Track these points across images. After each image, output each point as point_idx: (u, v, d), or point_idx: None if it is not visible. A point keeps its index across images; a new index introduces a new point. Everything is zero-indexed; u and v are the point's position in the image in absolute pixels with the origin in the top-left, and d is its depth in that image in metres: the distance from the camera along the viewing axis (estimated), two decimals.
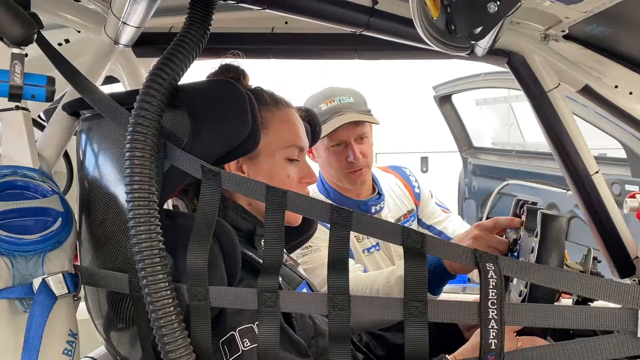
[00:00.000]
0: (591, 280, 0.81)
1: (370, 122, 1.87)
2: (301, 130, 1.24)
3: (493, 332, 0.82)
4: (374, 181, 2.04)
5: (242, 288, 0.91)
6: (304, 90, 2.02)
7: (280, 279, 1.08)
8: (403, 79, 5.44)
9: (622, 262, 1.48)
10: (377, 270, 1.86)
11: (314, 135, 1.53)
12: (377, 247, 2.03)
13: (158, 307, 0.86)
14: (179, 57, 0.96)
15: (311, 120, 1.51)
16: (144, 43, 1.51)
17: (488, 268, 0.84)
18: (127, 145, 0.90)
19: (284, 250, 1.42)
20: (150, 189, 0.89)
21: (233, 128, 0.97)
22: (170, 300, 0.87)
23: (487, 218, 1.64)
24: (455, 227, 2.16)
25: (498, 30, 1.19)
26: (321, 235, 1.80)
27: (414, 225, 2.17)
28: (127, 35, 1.33)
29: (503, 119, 3.83)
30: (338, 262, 0.88)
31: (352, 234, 1.95)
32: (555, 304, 1.42)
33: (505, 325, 0.82)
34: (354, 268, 1.74)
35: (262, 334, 0.88)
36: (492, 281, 0.82)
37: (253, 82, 1.25)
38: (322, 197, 1.98)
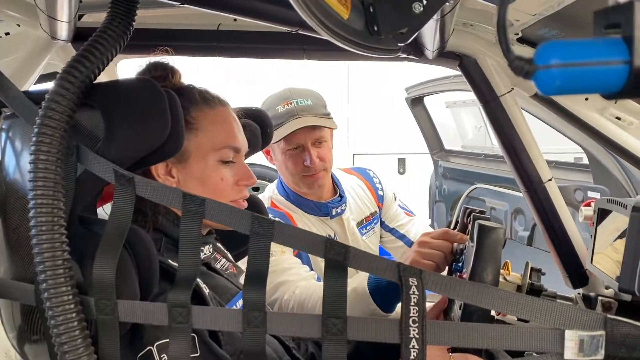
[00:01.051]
0: (516, 297, 0.76)
1: (327, 127, 1.81)
2: (237, 130, 1.18)
3: (414, 352, 0.77)
4: (336, 183, 1.99)
5: (152, 302, 0.85)
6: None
7: (206, 290, 1.04)
8: (381, 79, 5.40)
9: (575, 272, 1.45)
10: None
11: (265, 137, 1.48)
12: None
13: (60, 321, 0.81)
14: (94, 54, 0.91)
15: (261, 122, 1.46)
16: (85, 38, 1.43)
17: (410, 283, 0.79)
18: (32, 148, 0.84)
19: (229, 258, 1.38)
20: (56, 195, 0.83)
21: (149, 129, 0.91)
22: (74, 315, 0.82)
23: (456, 222, 1.61)
24: (419, 230, 2.12)
25: (443, 32, 1.14)
26: None
27: (377, 228, 2.13)
28: (62, 30, 1.26)
29: (473, 122, 3.80)
30: (256, 275, 0.83)
31: None
32: (503, 317, 1.39)
33: (427, 344, 0.78)
34: (306, 276, 1.68)
35: (172, 352, 0.83)
36: (414, 297, 0.78)
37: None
38: (281, 199, 1.93)
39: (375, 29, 0.77)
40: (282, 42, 1.37)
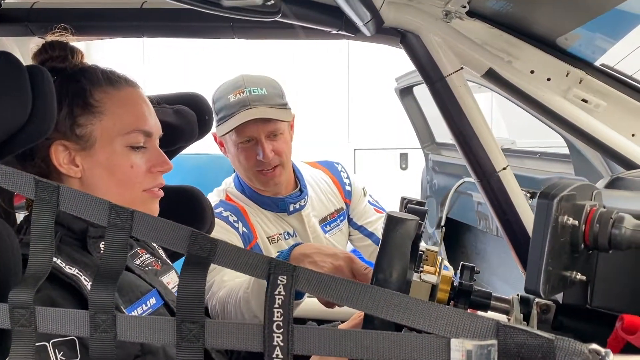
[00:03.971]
0: (398, 299, 0.65)
1: (279, 120, 1.69)
2: (147, 113, 1.10)
3: None
4: (297, 176, 1.88)
5: None
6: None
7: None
8: (382, 73, 5.25)
9: None
10: None
11: (202, 125, 1.39)
12: None
13: None
14: None
15: (198, 108, 1.37)
16: (5, 20, 1.36)
17: (279, 282, 0.68)
18: None
19: (158, 254, 1.29)
20: None
21: (5, 110, 0.81)
22: None
23: (446, 218, 1.48)
24: None
25: (369, 3, 1.03)
26: (222, 234, 1.65)
27: (344, 225, 2.01)
28: None
29: None
30: (107, 273, 0.72)
31: (268, 232, 1.80)
32: None
33: (294, 353, 0.66)
34: (240, 274, 1.55)
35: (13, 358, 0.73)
36: (279, 299, 0.67)
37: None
38: (237, 192, 1.83)
39: None
40: (210, 19, 1.27)
